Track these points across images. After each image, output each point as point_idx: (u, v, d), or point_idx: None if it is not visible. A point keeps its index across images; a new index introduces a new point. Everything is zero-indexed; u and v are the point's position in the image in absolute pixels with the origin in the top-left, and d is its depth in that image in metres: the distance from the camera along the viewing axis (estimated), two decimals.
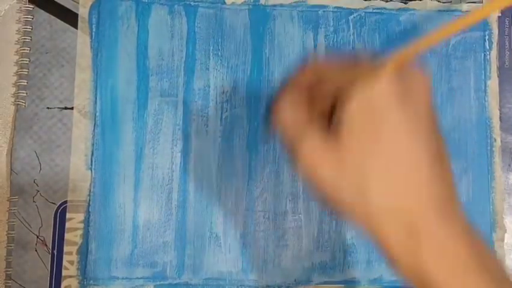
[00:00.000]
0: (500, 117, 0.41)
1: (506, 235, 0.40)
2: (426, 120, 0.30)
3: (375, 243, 0.29)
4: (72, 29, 0.39)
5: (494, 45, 0.41)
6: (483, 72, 0.41)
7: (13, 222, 0.38)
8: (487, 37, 0.41)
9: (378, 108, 0.29)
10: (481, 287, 0.28)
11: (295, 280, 0.39)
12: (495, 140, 0.40)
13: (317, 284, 0.39)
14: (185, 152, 0.39)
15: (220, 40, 0.40)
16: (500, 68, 0.41)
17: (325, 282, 0.39)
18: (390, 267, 0.30)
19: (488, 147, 0.40)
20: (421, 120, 0.30)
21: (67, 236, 0.38)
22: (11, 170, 0.38)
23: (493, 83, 0.41)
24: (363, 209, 0.29)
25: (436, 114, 0.31)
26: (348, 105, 0.29)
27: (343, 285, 0.39)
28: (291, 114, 0.32)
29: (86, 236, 0.38)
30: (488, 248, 0.30)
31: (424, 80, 0.30)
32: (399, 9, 0.41)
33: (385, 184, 0.29)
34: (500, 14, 0.41)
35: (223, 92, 0.40)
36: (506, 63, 0.41)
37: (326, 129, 0.31)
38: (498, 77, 0.41)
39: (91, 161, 0.39)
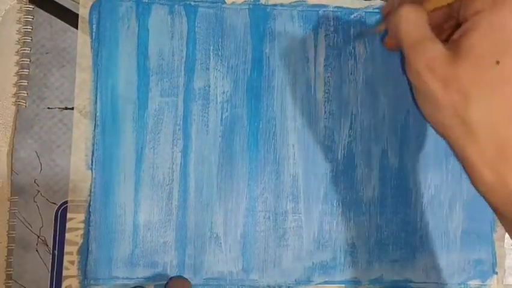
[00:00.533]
0: None
1: (506, 235, 0.40)
2: None
3: (461, 162, 0.31)
4: (72, 29, 0.39)
5: None
6: None
7: (14, 222, 0.38)
8: None
9: (507, 38, 0.29)
10: None
11: (295, 280, 0.39)
12: None
13: (318, 284, 0.39)
14: (185, 152, 0.39)
15: (220, 40, 0.40)
16: None
17: (325, 282, 0.39)
18: (477, 190, 0.31)
19: None
20: None
21: (67, 236, 0.38)
22: (12, 170, 0.38)
23: None
24: (457, 127, 0.30)
25: None
26: (475, 27, 0.30)
27: (344, 285, 0.39)
28: (416, 16, 0.32)
29: (86, 236, 0.38)
30: None
31: None
32: None
33: (487, 111, 0.29)
34: None
35: (224, 92, 0.40)
36: None
37: (443, 44, 0.31)
38: None
39: (92, 161, 0.39)
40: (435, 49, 0.31)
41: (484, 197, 0.31)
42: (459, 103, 0.30)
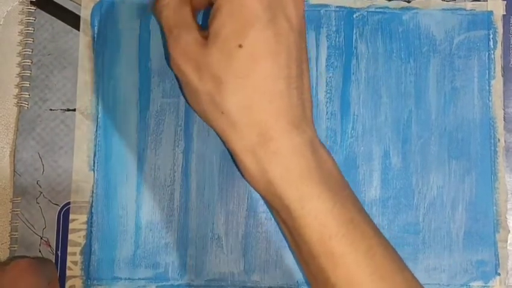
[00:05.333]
0: (504, 118, 0.40)
1: (509, 236, 0.39)
2: (291, 38, 0.31)
3: (230, 152, 0.31)
4: (74, 30, 0.40)
5: (499, 45, 0.41)
6: (487, 71, 0.41)
7: (16, 223, 0.38)
8: (491, 36, 0.41)
9: (246, 19, 0.29)
10: (316, 195, 0.29)
11: (297, 281, 0.39)
12: (499, 140, 0.40)
13: None
14: (187, 153, 0.39)
15: None
16: (505, 68, 0.41)
17: None
18: (245, 180, 0.31)
19: (492, 148, 0.40)
20: (286, 39, 0.30)
21: (70, 236, 0.38)
22: (14, 171, 0.38)
23: (497, 83, 0.41)
24: (217, 116, 0.30)
25: (304, 28, 0.32)
26: (218, 11, 0.30)
27: None
28: (177, 2, 0.32)
29: (89, 236, 0.38)
30: (334, 164, 0.32)
31: None
32: (402, 8, 0.41)
33: (240, 95, 0.30)
34: (505, 13, 0.41)
35: None
36: (511, 62, 0.41)
37: (198, 31, 0.31)
38: (502, 76, 0.41)
39: (94, 162, 0.39)
40: (190, 36, 0.31)
41: (251, 186, 0.31)
42: (214, 90, 0.30)
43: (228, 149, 0.31)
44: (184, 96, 0.33)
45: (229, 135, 0.31)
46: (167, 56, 0.34)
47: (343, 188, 0.32)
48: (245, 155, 0.30)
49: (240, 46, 0.29)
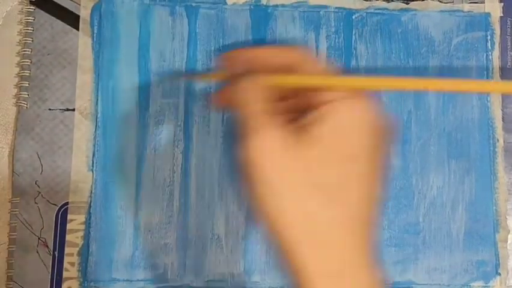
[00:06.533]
0: (502, 118, 0.40)
1: (509, 236, 0.39)
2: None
3: (285, 265, 0.28)
4: (73, 30, 0.39)
5: (496, 46, 0.41)
6: (485, 72, 0.41)
7: (14, 223, 0.38)
8: (488, 37, 0.41)
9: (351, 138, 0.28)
10: None
11: None
12: (498, 140, 0.40)
13: None
14: (186, 153, 0.39)
15: (221, 41, 0.40)
16: (503, 69, 0.41)
17: None
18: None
19: (491, 148, 0.40)
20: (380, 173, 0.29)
21: (68, 237, 0.38)
22: (13, 171, 0.38)
23: None
24: (287, 238, 0.27)
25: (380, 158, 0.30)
26: (328, 120, 0.28)
27: None
28: (254, 95, 0.29)
29: (87, 237, 0.38)
30: None
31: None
32: (400, 10, 0.41)
33: (312, 230, 0.27)
34: (502, 14, 0.41)
35: None
36: (509, 63, 0.41)
37: (285, 128, 0.28)
38: (500, 77, 0.41)
39: (93, 163, 0.39)
40: (275, 134, 0.28)
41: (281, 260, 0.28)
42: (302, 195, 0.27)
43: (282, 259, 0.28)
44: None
45: (295, 256, 0.27)
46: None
47: None
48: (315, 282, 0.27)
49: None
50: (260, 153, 0.27)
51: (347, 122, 0.28)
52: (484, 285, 0.39)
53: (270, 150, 0.27)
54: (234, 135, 0.39)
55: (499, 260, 0.39)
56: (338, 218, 0.27)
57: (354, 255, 0.27)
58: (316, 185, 0.27)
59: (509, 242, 0.39)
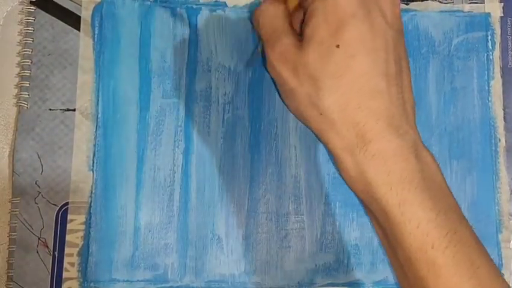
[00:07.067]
0: (504, 117, 0.40)
1: None
2: (388, 34, 0.31)
3: (330, 153, 0.31)
4: (74, 31, 0.40)
5: (497, 46, 0.41)
6: (486, 72, 0.41)
7: (15, 223, 0.38)
8: (489, 37, 0.41)
9: (341, 17, 0.30)
10: (417, 202, 0.28)
11: (298, 282, 0.38)
12: (499, 140, 0.40)
13: (321, 286, 0.38)
14: (187, 154, 0.39)
15: (222, 42, 0.40)
16: (504, 68, 0.41)
17: (329, 284, 0.38)
18: (343, 180, 0.31)
19: (493, 148, 0.40)
20: (384, 35, 0.30)
21: (68, 237, 0.38)
22: (13, 171, 0.38)
23: (496, 83, 0.41)
24: (315, 117, 0.30)
25: (401, 25, 0.32)
26: (312, 14, 0.30)
27: None
28: (274, 11, 0.33)
29: (87, 237, 0.38)
30: (437, 169, 0.31)
31: None
32: (401, 10, 0.41)
33: (337, 95, 0.29)
34: (502, 14, 0.41)
35: (225, 94, 0.40)
36: (510, 63, 0.41)
37: (298, 37, 0.32)
38: (501, 77, 0.41)
39: (93, 163, 0.39)
40: (287, 39, 0.31)
41: (348, 186, 0.31)
42: (311, 91, 0.30)
43: (326, 149, 0.32)
44: (281, 99, 0.35)
45: (328, 136, 0.30)
46: (264, 61, 0.35)
47: (446, 195, 0.31)
48: (344, 156, 0.29)
49: (337, 46, 0.29)
50: (277, 60, 0.31)
51: (324, 14, 0.30)
52: None
53: (282, 55, 0.31)
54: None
55: (502, 260, 0.39)
56: (357, 82, 0.30)
57: (378, 120, 0.29)
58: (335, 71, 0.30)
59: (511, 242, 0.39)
